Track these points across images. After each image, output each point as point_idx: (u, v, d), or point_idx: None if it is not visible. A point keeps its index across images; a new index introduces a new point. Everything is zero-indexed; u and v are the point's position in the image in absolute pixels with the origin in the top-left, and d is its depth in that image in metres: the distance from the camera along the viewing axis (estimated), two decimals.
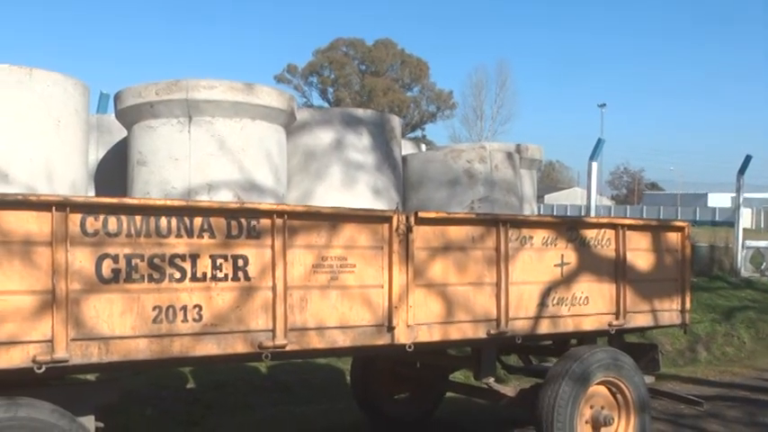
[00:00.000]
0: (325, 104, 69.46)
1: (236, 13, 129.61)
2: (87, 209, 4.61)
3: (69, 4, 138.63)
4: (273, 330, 5.16)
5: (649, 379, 7.53)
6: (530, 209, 9.32)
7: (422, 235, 5.84)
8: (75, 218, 4.57)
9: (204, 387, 9.54)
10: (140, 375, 8.95)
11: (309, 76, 75.51)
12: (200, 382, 9.67)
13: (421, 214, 5.86)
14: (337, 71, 74.12)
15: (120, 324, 4.67)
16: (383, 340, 5.68)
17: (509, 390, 7.48)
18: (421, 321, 5.82)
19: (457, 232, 6.04)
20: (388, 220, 5.68)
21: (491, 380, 7.17)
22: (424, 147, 9.40)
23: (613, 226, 7.04)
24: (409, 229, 5.73)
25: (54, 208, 4.48)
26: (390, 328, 5.67)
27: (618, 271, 6.96)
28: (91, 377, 6.88)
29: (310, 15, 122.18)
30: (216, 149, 6.02)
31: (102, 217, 4.64)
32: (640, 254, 7.20)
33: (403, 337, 5.73)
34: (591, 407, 6.88)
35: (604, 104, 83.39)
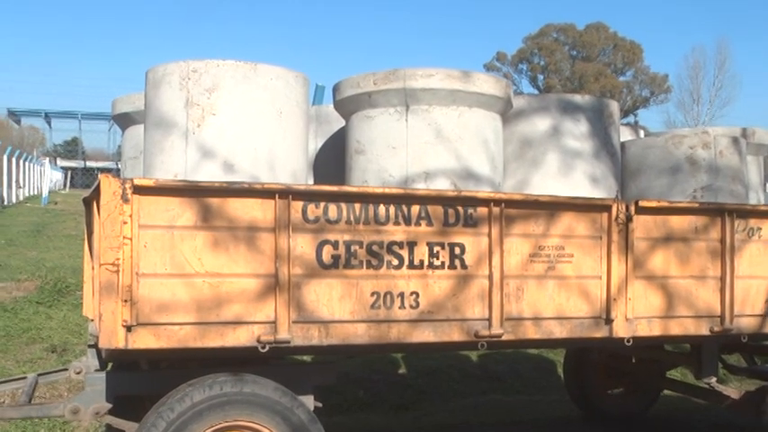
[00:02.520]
0: (535, 92, 68.55)
1: (446, 1, 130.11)
2: (309, 196, 4.75)
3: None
4: (489, 319, 5.12)
5: None
6: (756, 198, 8.75)
7: (642, 224, 5.62)
8: (297, 205, 4.71)
9: (415, 373, 9.65)
10: (353, 359, 9.16)
11: (519, 63, 74.70)
12: (411, 367, 9.79)
13: (641, 203, 5.63)
14: (547, 57, 72.92)
15: (339, 309, 4.78)
16: (601, 333, 5.51)
17: (733, 391, 7.06)
18: (640, 315, 5.60)
19: (679, 222, 5.76)
20: (607, 208, 5.49)
21: (713, 380, 6.80)
22: (642, 133, 9.02)
23: None
24: (629, 219, 5.52)
25: (277, 196, 4.65)
26: (608, 321, 5.49)
27: None
28: (306, 358, 7.11)
29: (520, 2, 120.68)
30: (433, 138, 6.04)
31: (322, 204, 4.76)
32: None
33: (621, 330, 5.53)
34: None
35: None
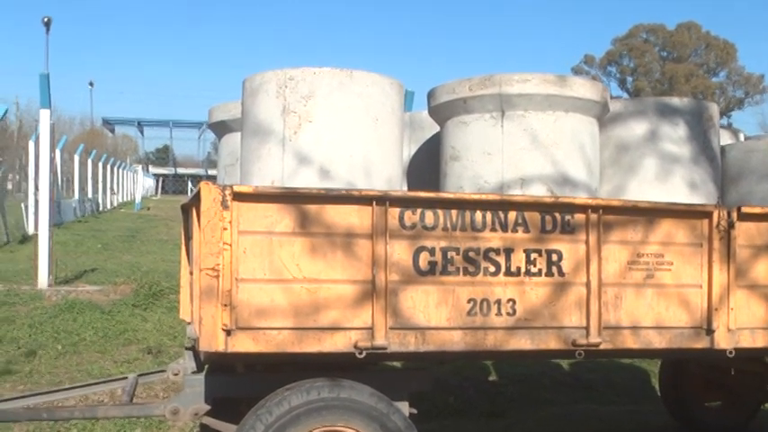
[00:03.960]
0: (624, 95, 67.39)
1: (532, 5, 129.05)
2: (405, 203, 4.74)
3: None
4: (587, 328, 5.03)
5: None
6: None
7: (745, 232, 5.44)
8: (394, 212, 4.71)
9: (505, 380, 9.57)
10: (443, 365, 9.13)
11: (607, 65, 73.68)
12: (501, 374, 9.71)
13: (744, 209, 5.45)
14: (637, 59, 71.73)
15: (435, 315, 4.76)
16: (701, 344, 5.36)
17: None
18: (743, 325, 5.42)
19: None
20: (708, 215, 5.34)
21: None
22: (741, 136, 8.76)
23: None
24: (731, 226, 5.36)
25: (375, 202, 4.65)
26: (709, 332, 5.33)
27: None
28: (396, 364, 7.11)
29: (608, 3, 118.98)
30: (528, 143, 5.98)
31: (419, 211, 4.75)
32: None
33: (723, 341, 5.37)
34: None
35: None
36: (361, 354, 4.63)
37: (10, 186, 39.82)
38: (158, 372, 6.21)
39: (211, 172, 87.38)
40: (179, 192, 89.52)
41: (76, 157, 39.51)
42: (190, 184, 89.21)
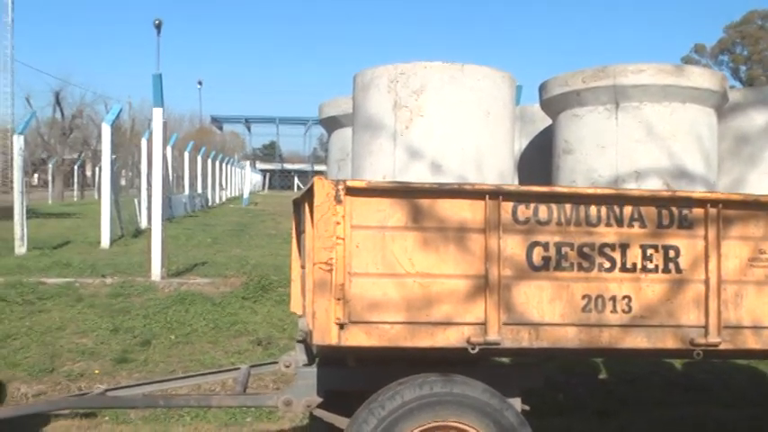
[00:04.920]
0: (738, 85, 65.21)
1: None
2: (519, 197, 4.68)
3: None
4: (706, 327, 4.86)
5: None
6: None
7: None
8: (507, 206, 4.65)
9: (616, 378, 9.36)
10: (552, 361, 8.99)
11: (719, 54, 71.40)
12: (612, 372, 9.51)
13: None
14: (751, 47, 69.26)
15: (549, 311, 4.69)
16: None
17: None
18: None
19: None
20: None
21: None
22: None
23: None
24: None
25: (487, 197, 4.61)
26: None
27: None
28: (504, 360, 7.03)
29: None
30: (643, 136, 5.85)
31: (533, 205, 4.69)
32: None
33: None
34: None
35: None
36: (474, 349, 4.60)
37: (123, 182, 41.16)
38: (270, 363, 6.31)
39: (317, 167, 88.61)
40: (286, 187, 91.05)
41: (186, 154, 40.56)
42: (296, 180, 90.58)
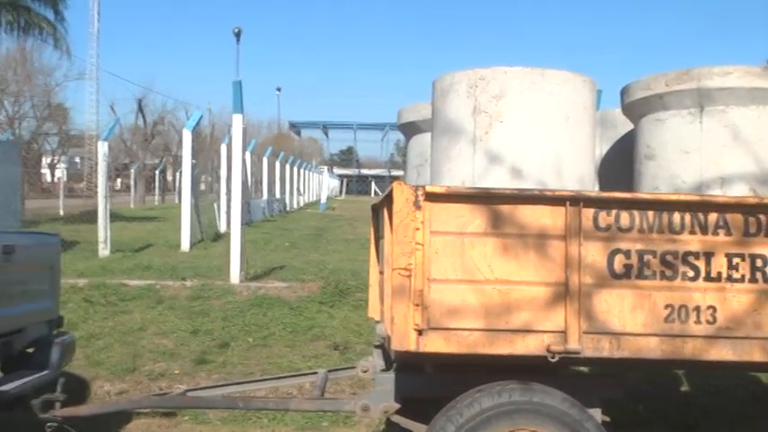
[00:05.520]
0: None
1: None
2: (600, 204, 4.62)
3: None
4: None
5: None
6: None
7: None
8: (588, 212, 4.59)
9: (698, 391, 9.14)
10: (632, 371, 8.82)
11: None
12: (693, 385, 9.29)
13: None
14: None
15: (630, 320, 4.60)
16: None
17: None
18: None
19: None
20: None
21: None
22: None
23: None
24: None
25: (568, 203, 4.56)
26: None
27: None
28: (583, 369, 6.92)
29: None
30: (729, 140, 5.70)
31: (614, 212, 4.61)
32: None
33: None
34: None
35: None
36: (553, 357, 4.54)
37: (203, 187, 41.87)
38: (347, 368, 6.33)
39: (394, 172, 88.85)
40: (363, 192, 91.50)
41: (265, 159, 41.07)
42: (373, 185, 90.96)
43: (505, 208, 4.54)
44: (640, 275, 4.61)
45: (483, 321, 4.51)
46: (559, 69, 5.70)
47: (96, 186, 22.54)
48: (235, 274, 13.17)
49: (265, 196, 39.63)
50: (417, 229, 4.44)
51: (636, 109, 6.21)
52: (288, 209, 44.80)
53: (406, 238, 4.44)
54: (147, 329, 10.31)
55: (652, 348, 4.63)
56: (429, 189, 4.49)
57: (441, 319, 4.48)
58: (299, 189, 53.02)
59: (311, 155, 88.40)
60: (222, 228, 24.10)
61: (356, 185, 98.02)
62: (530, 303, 4.54)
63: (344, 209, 48.91)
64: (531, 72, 5.54)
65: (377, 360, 5.77)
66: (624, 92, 6.29)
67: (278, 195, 43.33)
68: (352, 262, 15.71)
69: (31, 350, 6.45)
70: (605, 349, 4.59)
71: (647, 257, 4.61)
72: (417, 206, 4.44)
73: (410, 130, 8.08)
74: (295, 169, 50.48)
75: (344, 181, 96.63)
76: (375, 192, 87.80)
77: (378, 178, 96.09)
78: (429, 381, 5.16)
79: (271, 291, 12.23)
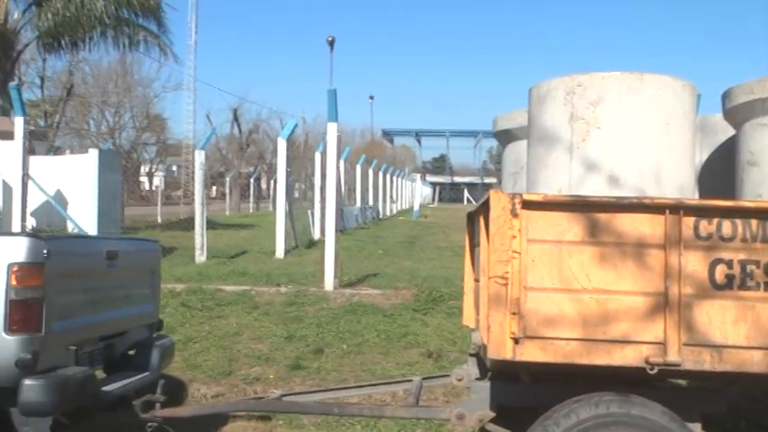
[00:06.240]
0: None
1: None
2: (701, 212, 4.51)
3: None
4: None
5: None
6: None
7: None
8: (689, 221, 4.49)
9: None
10: (734, 385, 8.54)
11: None
12: None
13: None
14: None
15: (733, 333, 4.48)
16: None
17: None
18: None
19: None
20: None
21: None
22: None
23: None
24: None
25: (668, 211, 4.47)
26: None
27: None
28: (681, 382, 6.75)
29: None
30: None
31: (715, 220, 4.50)
32: None
33: None
34: None
35: None
36: (652, 369, 4.45)
37: (296, 195, 42.39)
38: (442, 376, 6.32)
39: (487, 180, 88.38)
40: (455, 200, 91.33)
41: (358, 167, 41.35)
42: (466, 192, 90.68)
43: (603, 216, 4.48)
44: (743, 286, 4.48)
45: (580, 331, 4.45)
46: (659, 74, 5.59)
47: (193, 194, 23.05)
48: (329, 281, 13.29)
49: (358, 204, 39.89)
50: (514, 237, 4.43)
51: (738, 114, 6.04)
52: (381, 216, 45.01)
53: (503, 246, 4.42)
54: (243, 334, 10.50)
55: (756, 362, 4.49)
56: (526, 197, 4.47)
57: (537, 328, 4.44)
58: (391, 197, 53.20)
59: (404, 162, 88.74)
60: (316, 235, 24.36)
61: (449, 193, 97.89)
62: (628, 314, 4.46)
63: (437, 216, 48.87)
64: (629, 77, 5.45)
65: (472, 368, 5.75)
66: (726, 96, 6.12)
67: (371, 203, 43.58)
68: (446, 270, 15.67)
69: (132, 352, 6.63)
70: (706, 362, 4.48)
71: (750, 268, 4.48)
72: (514, 214, 4.43)
73: (505, 137, 8.04)
74: (388, 177, 50.68)
75: (437, 188, 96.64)
76: (468, 199, 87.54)
77: (470, 186, 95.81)
78: (525, 390, 5.12)
79: (364, 298, 12.30)
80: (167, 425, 5.90)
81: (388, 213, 49.08)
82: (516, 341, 4.43)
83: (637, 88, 5.44)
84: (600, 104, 5.39)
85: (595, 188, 5.28)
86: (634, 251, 4.49)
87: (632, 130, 5.44)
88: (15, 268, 5.03)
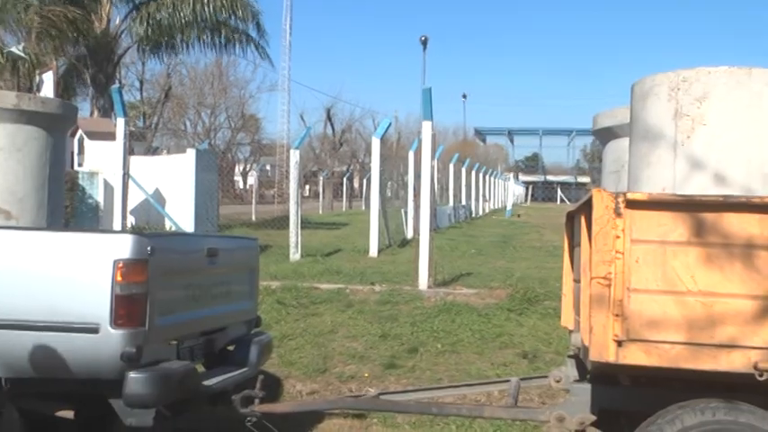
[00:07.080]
0: None
1: None
2: None
3: None
4: None
5: None
6: None
7: None
8: None
9: None
10: None
11: None
12: None
13: None
14: None
15: None
16: None
17: None
18: None
19: None
20: None
21: None
22: None
23: None
24: None
25: None
26: None
27: None
28: None
29: None
30: None
31: None
32: None
33: None
34: None
35: None
36: (761, 375, 4.30)
37: (389, 194, 42.55)
38: (540, 377, 6.24)
39: (580, 179, 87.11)
40: (548, 199, 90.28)
41: (451, 166, 41.19)
42: (559, 192, 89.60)
43: (709, 216, 4.35)
44: None
45: (685, 335, 4.33)
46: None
47: (286, 193, 23.31)
48: (423, 280, 13.25)
49: (451, 203, 39.75)
50: (617, 237, 4.34)
51: None
52: (473, 215, 44.78)
53: (606, 247, 4.33)
54: (338, 332, 10.56)
55: None
56: (630, 196, 4.38)
57: (641, 330, 4.34)
58: (484, 195, 52.88)
59: (496, 161, 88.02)
60: (409, 233, 24.36)
61: (541, 192, 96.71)
62: (735, 317, 4.32)
63: (530, 215, 48.41)
64: (736, 72, 5.26)
65: (570, 370, 5.65)
66: None
67: (464, 202, 43.37)
68: (540, 270, 15.48)
69: (231, 348, 6.73)
70: None
71: None
72: (618, 214, 4.34)
73: (606, 135, 7.88)
74: (480, 176, 50.39)
75: (530, 187, 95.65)
76: (561, 198, 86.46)
77: (563, 185, 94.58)
78: (627, 393, 5.01)
79: (458, 297, 12.23)
80: (265, 420, 5.98)
81: (480, 212, 48.79)
82: (619, 344, 4.34)
83: (745, 83, 5.25)
84: (705, 100, 5.22)
85: (701, 187, 5.11)
86: (742, 252, 4.35)
87: (740, 126, 5.25)
88: (121, 264, 5.16)
